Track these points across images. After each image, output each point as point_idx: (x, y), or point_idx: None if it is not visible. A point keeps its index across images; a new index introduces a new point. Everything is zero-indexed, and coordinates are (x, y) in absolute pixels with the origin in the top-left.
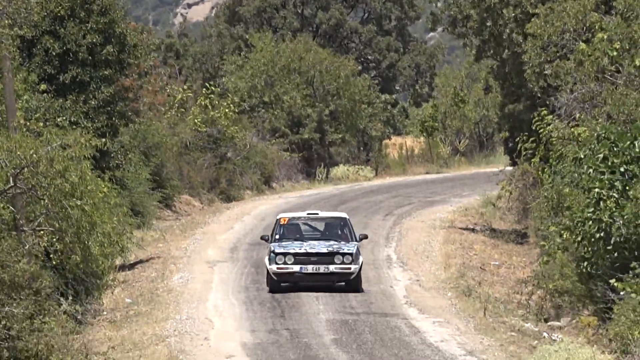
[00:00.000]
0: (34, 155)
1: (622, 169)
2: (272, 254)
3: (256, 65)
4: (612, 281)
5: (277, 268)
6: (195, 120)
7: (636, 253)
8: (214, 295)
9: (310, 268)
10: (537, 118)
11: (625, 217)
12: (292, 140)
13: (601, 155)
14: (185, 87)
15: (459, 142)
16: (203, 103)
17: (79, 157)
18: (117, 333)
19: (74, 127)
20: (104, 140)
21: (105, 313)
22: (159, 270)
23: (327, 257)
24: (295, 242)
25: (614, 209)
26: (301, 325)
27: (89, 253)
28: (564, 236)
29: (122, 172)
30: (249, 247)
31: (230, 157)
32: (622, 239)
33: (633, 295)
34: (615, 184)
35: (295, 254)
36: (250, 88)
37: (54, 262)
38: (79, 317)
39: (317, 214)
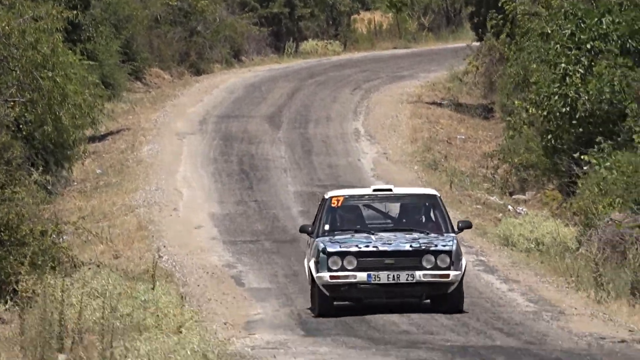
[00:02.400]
0: (6, 27)
1: (588, 45)
2: (320, 255)
3: None
4: (576, 155)
5: (331, 277)
6: None
7: (600, 128)
8: (183, 167)
9: (384, 276)
10: None
11: (590, 92)
12: (262, 14)
13: (568, 31)
14: None
15: (425, 16)
16: None
17: (51, 29)
18: (87, 203)
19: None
20: (75, 12)
21: (75, 183)
22: (128, 141)
23: (412, 259)
24: (357, 236)
25: (579, 85)
26: (269, 197)
27: (60, 124)
28: (530, 111)
29: (93, 44)
30: (218, 120)
31: (200, 30)
32: (587, 114)
33: (597, 168)
34: (582, 59)
35: (359, 254)
36: None
37: (25, 133)
38: (49, 187)
39: (390, 190)
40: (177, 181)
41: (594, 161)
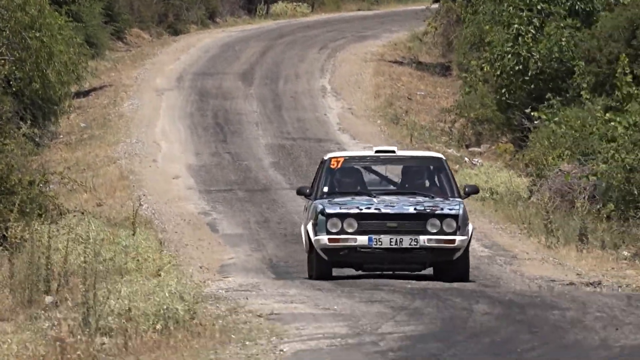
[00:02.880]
0: None
1: (539, 7)
2: (319, 217)
3: None
4: (528, 110)
5: (330, 240)
6: None
7: (550, 85)
8: (162, 121)
9: (385, 240)
10: None
11: (541, 51)
12: None
13: None
14: None
15: None
16: None
17: None
18: (72, 155)
19: None
20: None
21: (61, 136)
22: (111, 97)
23: (416, 223)
24: (358, 198)
25: (531, 44)
26: (242, 149)
27: (47, 80)
28: (485, 69)
29: (78, 6)
30: (194, 77)
31: None
32: (537, 72)
33: (547, 122)
34: (533, 20)
35: (359, 216)
36: None
37: (14, 89)
38: (37, 140)
39: (393, 151)
40: (156, 134)
41: (544, 116)
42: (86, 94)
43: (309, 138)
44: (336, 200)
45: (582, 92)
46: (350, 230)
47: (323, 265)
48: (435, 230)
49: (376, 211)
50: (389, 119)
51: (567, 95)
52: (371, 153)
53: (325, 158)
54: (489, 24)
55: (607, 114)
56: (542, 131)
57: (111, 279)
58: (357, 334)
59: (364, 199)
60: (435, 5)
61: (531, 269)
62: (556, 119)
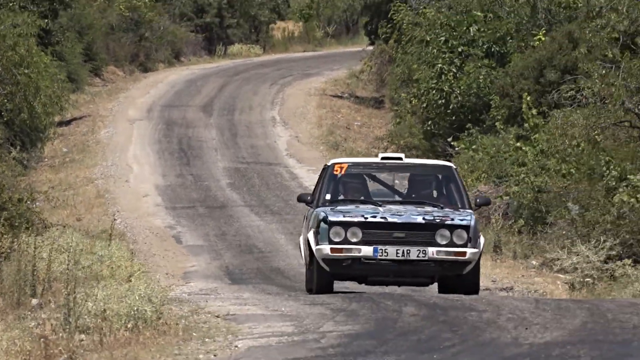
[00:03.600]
0: None
1: (459, 49)
2: (321, 225)
3: None
4: (450, 139)
5: (332, 250)
6: (121, 7)
7: (469, 116)
8: (133, 147)
9: (392, 251)
10: (394, 8)
11: (461, 87)
12: (197, 23)
13: (443, 38)
14: None
15: (330, 26)
16: None
17: (27, 35)
18: (56, 176)
19: (23, 10)
20: (46, 21)
21: (46, 160)
22: (89, 126)
23: (424, 233)
24: (363, 207)
25: (452, 81)
26: (203, 171)
27: (34, 111)
28: (413, 102)
29: (61, 47)
30: (162, 109)
31: (148, 36)
32: (458, 105)
33: (466, 150)
34: (454, 61)
35: (364, 225)
36: None
37: (5, 119)
38: (25, 163)
39: (400, 158)
40: (128, 158)
41: (464, 145)
42: (68, 123)
43: (261, 162)
44: (339, 208)
45: (497, 123)
46: (354, 240)
47: (324, 278)
48: (445, 242)
49: (382, 220)
50: (330, 145)
51: (484, 125)
52: (377, 160)
53: (329, 164)
54: (417, 63)
55: (518, 142)
56: (462, 157)
57: (89, 284)
58: (301, 332)
59: (369, 207)
60: (371, 47)
61: None
62: (474, 146)
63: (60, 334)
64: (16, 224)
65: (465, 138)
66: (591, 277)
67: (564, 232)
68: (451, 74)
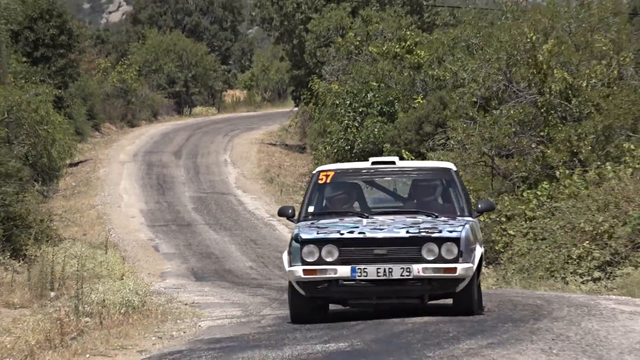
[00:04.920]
0: (19, 99)
1: (360, 110)
2: (293, 244)
3: (149, 48)
4: None
5: (305, 271)
6: (114, 80)
7: (367, 159)
8: (124, 181)
9: (372, 270)
10: (312, 80)
11: (362, 137)
12: (169, 91)
13: (348, 102)
14: (106, 60)
15: (266, 93)
16: (118, 70)
17: (45, 101)
18: (67, 203)
19: (42, 83)
20: (60, 91)
21: (60, 191)
22: (91, 166)
23: (408, 248)
24: (347, 220)
25: (355, 133)
26: (174, 199)
27: (51, 156)
28: (327, 148)
29: (70, 109)
30: (144, 154)
31: (133, 101)
32: (360, 150)
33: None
34: (357, 118)
35: (341, 242)
36: (145, 61)
37: (30, 162)
38: (45, 194)
39: (393, 162)
40: (120, 190)
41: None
42: (76, 164)
43: (216, 192)
44: (320, 222)
45: None
46: (329, 260)
47: (301, 302)
48: (432, 258)
49: (360, 236)
50: (267, 180)
51: None
52: (367, 165)
53: (314, 172)
54: (329, 120)
55: None
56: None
57: (92, 281)
58: (247, 315)
59: (352, 220)
60: (296, 108)
61: None
62: None
63: (71, 317)
64: (39, 238)
65: None
66: None
67: None
68: (354, 127)
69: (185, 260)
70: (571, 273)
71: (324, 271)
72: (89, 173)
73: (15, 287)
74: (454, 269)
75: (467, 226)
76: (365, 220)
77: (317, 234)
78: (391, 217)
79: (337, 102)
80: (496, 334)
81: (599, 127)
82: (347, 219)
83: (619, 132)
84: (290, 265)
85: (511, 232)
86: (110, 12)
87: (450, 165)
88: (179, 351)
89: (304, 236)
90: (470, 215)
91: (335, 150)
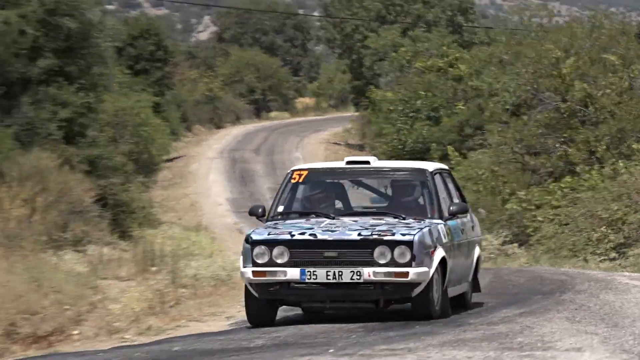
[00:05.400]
0: (123, 105)
1: (410, 115)
2: (244, 244)
3: (232, 62)
4: None
5: (255, 273)
6: (202, 89)
7: (417, 157)
8: (212, 175)
9: (321, 273)
10: (370, 89)
11: (412, 138)
12: (249, 99)
13: (401, 108)
14: (195, 72)
15: (331, 100)
16: (206, 80)
17: (145, 107)
18: (165, 192)
19: (142, 92)
20: (157, 98)
21: (158, 183)
22: (185, 162)
23: (360, 251)
24: (312, 221)
25: (407, 134)
26: (255, 190)
27: (151, 153)
28: (383, 147)
29: (167, 113)
30: (229, 151)
31: (219, 106)
32: (410, 149)
33: None
34: (408, 122)
35: (291, 243)
36: (228, 73)
37: (133, 158)
38: (147, 185)
39: (368, 162)
40: (209, 181)
41: None
42: (171, 160)
43: None
44: (282, 222)
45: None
46: (280, 262)
47: (255, 305)
48: (384, 261)
49: (311, 237)
50: None
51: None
52: (341, 164)
53: (290, 170)
54: (384, 123)
55: None
56: None
57: (187, 258)
58: None
59: (314, 221)
60: (356, 113)
61: None
62: None
63: (170, 289)
64: (142, 222)
65: None
66: (494, 254)
67: None
68: (406, 130)
69: None
70: (591, 253)
71: (274, 273)
72: (183, 167)
73: (123, 263)
74: (406, 274)
75: (425, 230)
76: (327, 222)
77: (268, 234)
78: (357, 218)
79: (391, 108)
80: (528, 305)
81: (613, 130)
82: (312, 220)
83: (630, 135)
84: (243, 267)
85: (540, 218)
86: (199, 32)
87: (426, 166)
88: None
89: (255, 237)
90: (441, 218)
91: (389, 150)
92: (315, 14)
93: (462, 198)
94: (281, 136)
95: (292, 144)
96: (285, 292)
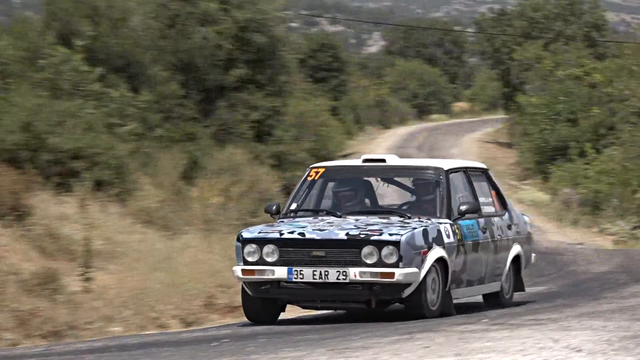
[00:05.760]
0: (305, 108)
1: (552, 117)
2: (236, 243)
3: (398, 72)
4: (548, 165)
5: (244, 271)
6: (372, 94)
7: (558, 153)
8: None
9: (308, 273)
10: (517, 95)
11: (554, 137)
12: (413, 103)
13: (544, 111)
14: (367, 80)
15: (483, 104)
16: (375, 88)
17: (324, 110)
18: None
19: (321, 97)
20: (334, 102)
21: None
22: (358, 157)
23: (347, 251)
24: (320, 218)
25: (549, 134)
26: None
27: (329, 150)
28: (528, 145)
29: (342, 116)
30: (396, 148)
31: (387, 110)
32: (552, 147)
33: (555, 170)
34: (550, 123)
35: (281, 242)
36: (395, 81)
37: (314, 153)
38: None
39: (384, 160)
40: None
41: (554, 168)
42: (346, 156)
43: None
44: (287, 220)
45: (572, 156)
46: (270, 260)
47: (250, 303)
48: (372, 261)
49: (299, 236)
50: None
51: (566, 157)
52: (358, 163)
53: (308, 168)
54: (530, 124)
55: (584, 165)
56: (555, 174)
57: None
58: None
59: (317, 219)
60: (506, 116)
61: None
62: (561, 168)
63: None
64: None
65: (555, 165)
66: (625, 238)
67: (610, 214)
68: (548, 130)
69: None
70: None
71: (262, 272)
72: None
73: None
74: (392, 274)
75: (418, 230)
76: (323, 220)
77: (259, 233)
78: (363, 217)
79: (535, 111)
80: None
81: None
82: (317, 218)
83: None
84: (237, 264)
85: None
86: (370, 46)
87: (441, 164)
88: None
89: (245, 235)
90: (449, 218)
91: (534, 147)
92: (470, 30)
93: (500, 198)
94: (440, 135)
95: (450, 142)
96: (276, 291)
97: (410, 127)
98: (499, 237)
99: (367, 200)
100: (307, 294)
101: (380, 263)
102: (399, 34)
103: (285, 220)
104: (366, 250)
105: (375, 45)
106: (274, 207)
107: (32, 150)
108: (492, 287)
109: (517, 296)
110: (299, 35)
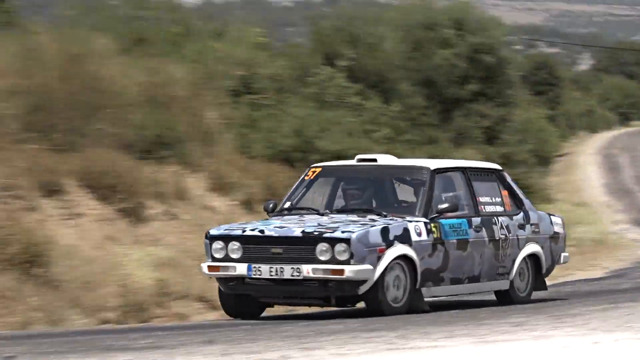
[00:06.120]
0: (527, 117)
1: None
2: (205, 240)
3: (608, 85)
4: None
5: (209, 268)
6: (584, 104)
7: None
8: (590, 166)
9: (265, 270)
10: None
11: None
12: (617, 111)
13: None
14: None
15: None
16: (587, 98)
17: (543, 117)
18: (557, 178)
19: (539, 107)
20: (552, 112)
21: (553, 171)
22: (571, 157)
23: (302, 248)
24: (306, 217)
25: None
26: (621, 177)
27: (547, 150)
28: None
29: (558, 123)
30: (601, 149)
31: (594, 117)
32: None
33: None
34: None
35: (244, 239)
36: (602, 94)
37: (535, 154)
38: (544, 173)
39: (375, 160)
40: (588, 170)
41: None
42: (562, 156)
43: None
44: (269, 219)
45: None
46: (234, 257)
47: (224, 299)
48: (325, 258)
49: (259, 234)
50: None
51: None
52: (352, 162)
53: (310, 167)
54: None
55: None
56: None
57: (573, 225)
58: None
59: (287, 218)
60: None
61: None
62: None
63: None
64: (541, 200)
65: None
66: None
67: None
68: None
69: (629, 213)
70: None
71: (226, 268)
72: (570, 161)
73: None
74: (342, 271)
75: (375, 227)
76: (294, 219)
77: (225, 230)
78: (340, 215)
79: None
80: None
81: None
82: (305, 217)
83: None
84: (205, 261)
85: None
86: (580, 64)
87: (427, 163)
88: (625, 268)
89: (212, 232)
90: (425, 216)
91: None
92: None
93: (514, 198)
94: (639, 138)
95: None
96: (242, 287)
97: (614, 132)
98: (503, 236)
99: (364, 199)
100: (269, 291)
101: (333, 260)
102: (605, 54)
103: (271, 217)
104: (320, 247)
105: (585, 64)
106: (271, 205)
107: (303, 152)
108: (494, 285)
109: (543, 294)
110: (522, 56)
